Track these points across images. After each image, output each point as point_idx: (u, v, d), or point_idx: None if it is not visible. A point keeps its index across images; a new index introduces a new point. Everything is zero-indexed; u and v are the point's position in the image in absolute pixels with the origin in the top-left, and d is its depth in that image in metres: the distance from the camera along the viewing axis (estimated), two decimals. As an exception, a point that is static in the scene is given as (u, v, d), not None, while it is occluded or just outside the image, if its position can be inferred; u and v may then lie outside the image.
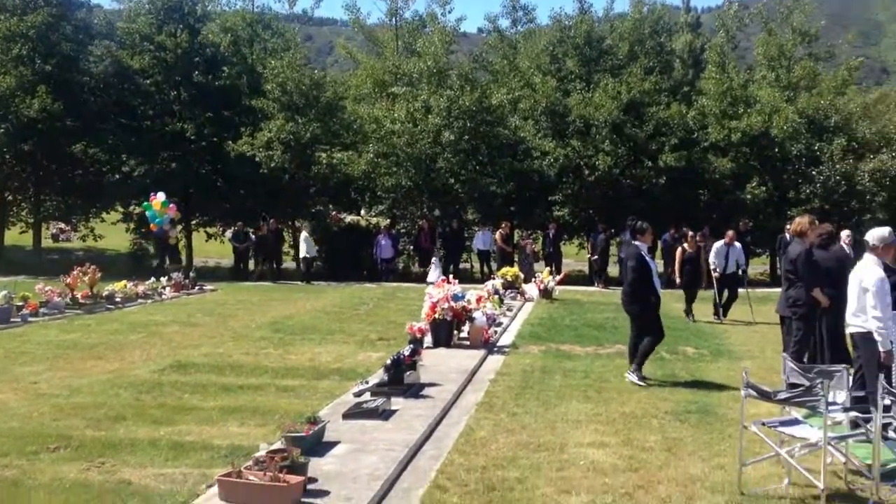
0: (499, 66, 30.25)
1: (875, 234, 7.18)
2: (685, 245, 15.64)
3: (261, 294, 19.85)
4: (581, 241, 28.05)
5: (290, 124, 25.72)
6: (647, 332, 9.47)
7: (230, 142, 25.97)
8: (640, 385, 9.16)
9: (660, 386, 9.26)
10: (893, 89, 51.14)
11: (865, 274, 6.96)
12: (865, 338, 6.98)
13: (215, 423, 7.48)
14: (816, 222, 9.48)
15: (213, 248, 30.42)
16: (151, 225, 22.30)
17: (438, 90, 25.87)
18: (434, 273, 20.13)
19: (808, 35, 29.03)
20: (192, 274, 21.18)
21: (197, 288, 20.34)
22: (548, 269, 20.61)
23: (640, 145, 25.66)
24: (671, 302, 14.47)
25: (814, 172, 25.15)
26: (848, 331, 7.35)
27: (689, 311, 15.32)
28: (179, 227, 25.67)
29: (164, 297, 18.64)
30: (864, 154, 25.67)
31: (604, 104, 25.62)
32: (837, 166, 24.78)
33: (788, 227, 14.79)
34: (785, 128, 25.44)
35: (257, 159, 25.33)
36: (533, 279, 19.43)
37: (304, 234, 23.55)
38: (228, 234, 27.71)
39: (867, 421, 5.90)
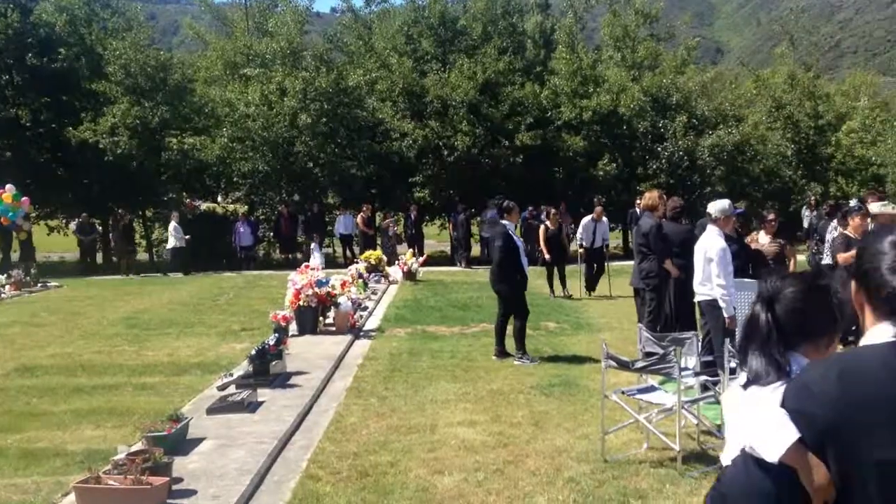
0: (354, 47, 29.96)
1: (716, 207, 7.62)
2: (548, 223, 16.00)
3: (112, 288, 18.89)
4: (442, 222, 28.33)
5: (136, 108, 24.50)
6: (513, 310, 9.64)
7: (70, 128, 24.46)
8: (534, 363, 9.34)
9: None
10: (727, 68, 54.40)
11: (709, 245, 7.38)
12: (711, 305, 7.41)
13: (68, 427, 7.08)
14: (664, 197, 9.94)
15: (56, 242, 28.65)
16: (2, 219, 20.72)
17: (293, 72, 25.36)
18: (317, 257, 19.73)
19: (649, 16, 30.39)
20: (33, 270, 19.83)
21: (40, 285, 19.14)
22: (410, 251, 20.72)
23: (496, 125, 26.11)
24: (535, 279, 14.86)
25: (659, 149, 26.42)
26: (695, 299, 7.76)
27: (553, 288, 15.73)
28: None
29: (3, 296, 17.43)
30: (703, 130, 27.19)
31: (460, 84, 25.88)
32: (680, 143, 26.14)
33: (638, 201, 15.48)
34: (632, 106, 26.58)
35: (101, 146, 23.97)
36: (396, 262, 19.48)
37: (173, 224, 22.61)
38: (73, 226, 26.18)
39: (716, 384, 6.28)
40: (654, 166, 26.39)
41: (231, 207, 29.07)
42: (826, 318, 1.98)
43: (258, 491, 5.50)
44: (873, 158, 30.39)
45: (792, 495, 1.67)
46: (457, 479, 5.56)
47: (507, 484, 5.44)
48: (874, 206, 9.78)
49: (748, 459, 1.75)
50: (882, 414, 1.59)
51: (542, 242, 15.88)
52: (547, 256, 15.62)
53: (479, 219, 23.70)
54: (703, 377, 6.46)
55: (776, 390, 1.78)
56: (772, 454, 1.69)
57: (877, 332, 1.70)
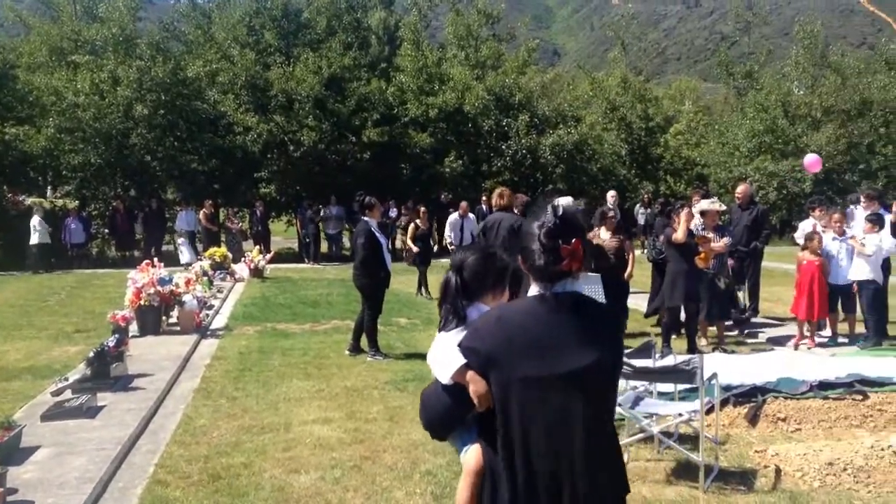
0: (193, 37, 28.88)
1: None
2: (417, 221, 15.83)
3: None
4: (289, 218, 27.84)
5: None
6: (371, 305, 9.59)
7: None
8: (387, 359, 9.33)
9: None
10: (565, 70, 56.57)
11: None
12: None
13: None
14: (506, 194, 10.13)
15: None
16: None
17: (127, 60, 24.15)
18: (187, 254, 18.72)
19: (491, 16, 31.16)
20: None
21: None
22: (257, 247, 20.22)
23: (343, 121, 25.92)
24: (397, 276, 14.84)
25: (503, 147, 27.12)
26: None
27: (421, 287, 15.34)
28: None
29: None
30: (544, 130, 28.15)
31: (305, 79, 25.50)
32: (523, 141, 26.94)
33: (484, 198, 15.80)
34: (476, 104, 27.14)
35: None
36: (242, 259, 18.96)
37: (36, 219, 20.90)
38: None
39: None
40: (499, 164, 27.06)
41: (60, 202, 27.26)
42: (496, 277, 2.96)
43: (101, 499, 5.21)
44: (698, 159, 32.51)
45: (461, 402, 2.61)
46: (313, 477, 5.49)
47: (364, 480, 5.42)
48: (702, 204, 10.48)
49: (437, 381, 2.74)
50: (523, 345, 2.41)
51: (409, 241, 15.67)
52: (415, 250, 15.31)
53: (321, 215, 23.44)
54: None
55: (458, 334, 2.71)
56: (444, 377, 2.68)
57: (531, 291, 2.50)
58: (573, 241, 2.44)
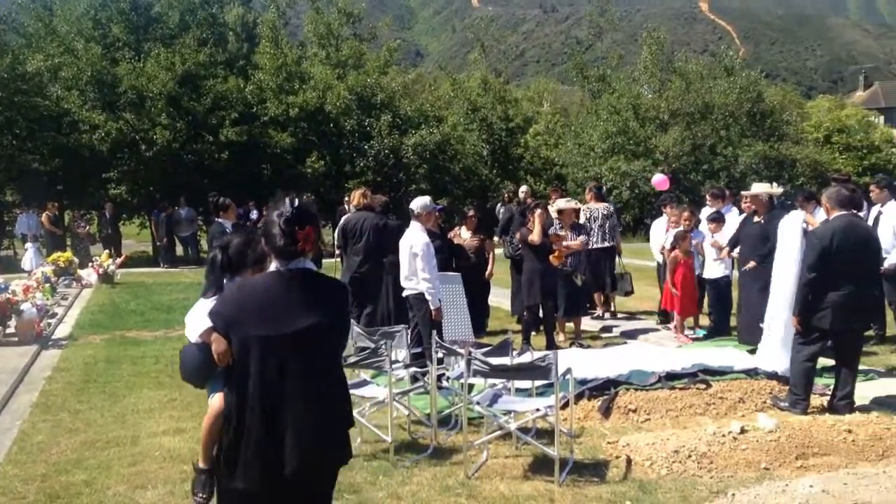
0: (33, 29, 27.09)
1: (419, 203, 7.87)
2: None
3: None
4: (142, 221, 26.67)
5: None
6: None
7: None
8: None
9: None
10: (427, 71, 57.04)
11: (413, 240, 7.61)
12: (418, 298, 7.65)
13: None
14: (369, 194, 10.06)
15: None
16: None
17: (-42, 53, 22.45)
18: (31, 257, 17.35)
19: (352, 15, 30.95)
20: None
21: None
22: (106, 251, 19.21)
23: (199, 119, 25.05)
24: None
25: (366, 147, 27.00)
26: (403, 294, 7.95)
27: None
28: None
29: None
30: (407, 130, 28.22)
31: (157, 75, 24.47)
32: (385, 141, 26.91)
33: (347, 198, 15.60)
34: (338, 104, 26.90)
35: None
36: (90, 263, 17.96)
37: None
38: None
39: (425, 374, 6.51)
40: (362, 164, 26.91)
41: None
42: (255, 258, 3.80)
43: (-78, 532, 4.78)
44: (556, 159, 33.49)
45: (210, 357, 3.37)
46: (161, 492, 5.22)
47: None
48: (559, 203, 10.75)
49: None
50: (257, 310, 3.07)
51: None
52: None
53: (172, 217, 22.58)
54: (413, 369, 6.67)
55: (212, 300, 3.63)
56: (192, 336, 3.75)
57: (271, 267, 3.20)
58: (307, 227, 3.10)
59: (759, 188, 9.25)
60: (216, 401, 3.57)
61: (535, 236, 9.28)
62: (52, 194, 23.39)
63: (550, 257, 9.56)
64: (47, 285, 13.88)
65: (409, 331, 7.24)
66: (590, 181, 18.35)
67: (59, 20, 27.09)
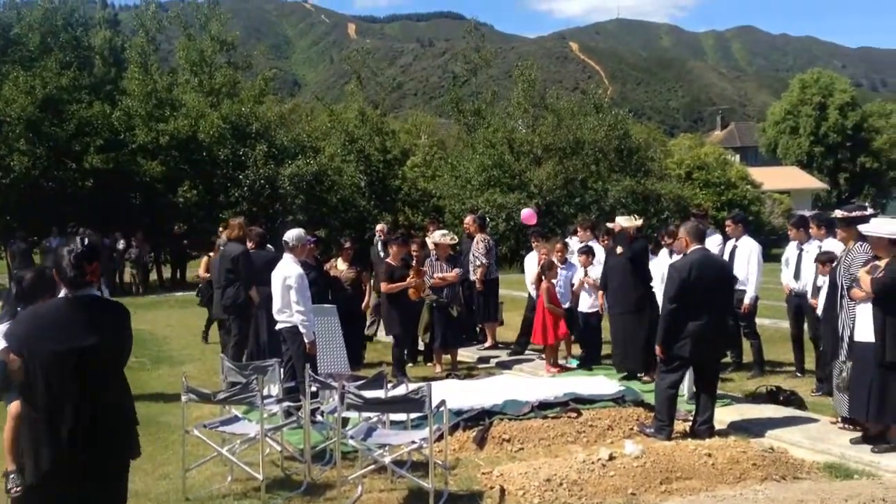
0: None
1: (292, 235, 7.79)
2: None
3: None
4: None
5: None
6: None
7: None
8: None
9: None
10: (304, 101, 56.67)
11: (287, 272, 7.51)
12: (292, 331, 7.53)
13: None
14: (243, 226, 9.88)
15: None
16: None
17: None
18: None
19: (226, 43, 30.37)
20: None
21: None
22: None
23: (61, 145, 23.92)
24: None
25: (241, 176, 26.44)
26: (277, 327, 7.81)
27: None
28: None
29: None
30: (283, 160, 27.84)
31: (16, 99, 23.26)
32: (261, 171, 26.45)
33: (221, 230, 15.20)
34: (211, 132, 26.27)
35: None
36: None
37: None
38: None
39: (298, 409, 6.40)
40: (237, 194, 26.34)
41: None
42: (46, 288, 4.47)
43: None
44: (433, 191, 33.81)
45: (3, 373, 4.10)
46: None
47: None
48: (434, 236, 10.88)
49: None
50: (48, 331, 3.56)
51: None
52: None
53: (41, 246, 21.42)
54: (286, 403, 6.54)
55: (6, 324, 4.53)
56: None
57: (61, 294, 3.73)
58: (94, 262, 3.70)
59: (620, 221, 9.63)
60: (13, 408, 4.00)
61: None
62: None
63: (409, 291, 9.75)
64: None
65: (281, 364, 7.12)
66: (467, 213, 18.54)
67: None
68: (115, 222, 22.94)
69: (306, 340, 7.40)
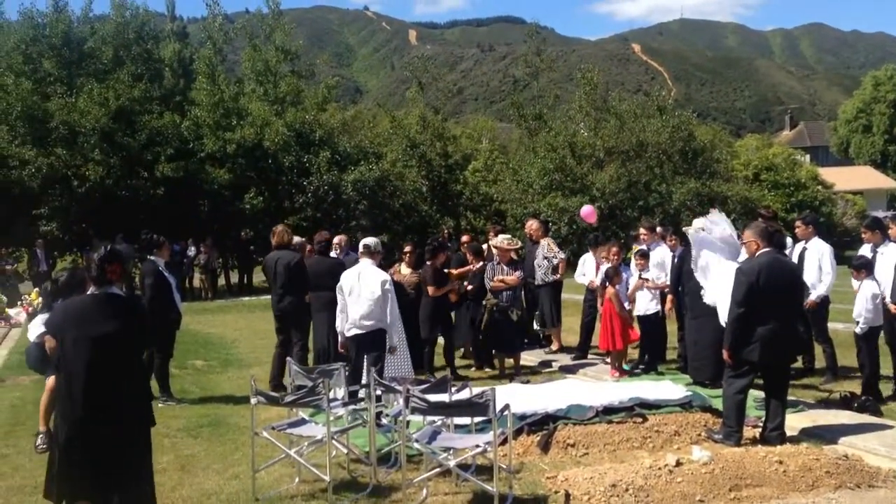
0: (-39, 64, 26.51)
1: (373, 240, 8.18)
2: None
3: None
4: (75, 257, 26.01)
5: None
6: (160, 348, 9.05)
7: None
8: (180, 405, 8.91)
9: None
10: (366, 107, 57.22)
11: (371, 277, 7.77)
12: (374, 335, 7.81)
13: None
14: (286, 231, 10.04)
15: None
16: None
17: None
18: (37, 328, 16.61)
19: (290, 53, 30.93)
20: None
21: None
22: (36, 290, 18.68)
23: (134, 155, 24.68)
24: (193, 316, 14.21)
25: (305, 183, 26.87)
26: (353, 332, 7.92)
27: None
28: None
29: None
30: (346, 166, 28.19)
31: (90, 110, 24.09)
32: (325, 177, 26.82)
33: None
34: (276, 140, 26.76)
35: None
36: (19, 302, 17.44)
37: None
38: None
39: (363, 412, 6.47)
40: (301, 200, 26.76)
41: None
42: (77, 285, 5.64)
43: None
44: (495, 195, 33.78)
45: (44, 353, 6.16)
46: (94, 539, 5.06)
47: (151, 537, 5.07)
48: (497, 239, 10.89)
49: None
50: (76, 320, 4.55)
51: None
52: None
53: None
54: (352, 406, 6.63)
55: (45, 314, 6.59)
56: (32, 337, 7.02)
57: (90, 291, 4.73)
58: (114, 264, 4.66)
59: (698, 224, 9.37)
60: (50, 381, 5.41)
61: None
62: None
63: (450, 294, 10.28)
64: (-27, 325, 13.45)
65: (346, 368, 7.21)
66: (529, 217, 18.46)
67: (-13, 55, 26.56)
68: (185, 229, 23.53)
69: (393, 343, 7.97)
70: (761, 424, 6.99)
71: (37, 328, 6.83)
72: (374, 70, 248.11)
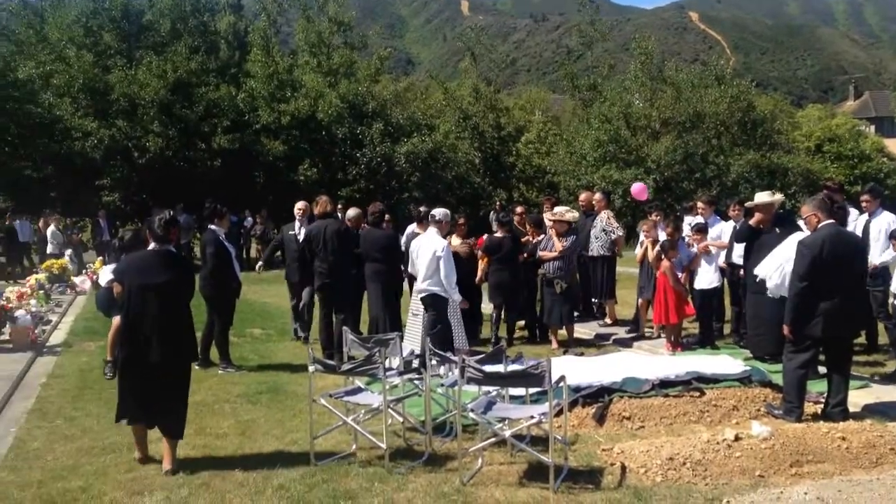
0: (24, 37, 27.11)
1: (439, 212, 8.76)
2: None
3: None
4: (136, 228, 26.63)
5: None
6: (220, 316, 9.22)
7: None
8: (239, 372, 9.07)
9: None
10: (418, 79, 57.09)
11: (434, 244, 8.38)
12: (436, 298, 8.36)
13: None
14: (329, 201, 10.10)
15: None
16: None
17: (-51, 60, 22.41)
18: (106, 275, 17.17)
19: (343, 24, 30.97)
20: None
21: None
22: (100, 258, 19.14)
23: (191, 126, 25.08)
24: (250, 286, 14.36)
25: (358, 154, 27.00)
26: (420, 295, 8.61)
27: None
28: None
29: None
30: (398, 138, 28.25)
31: (149, 83, 24.50)
32: (378, 149, 26.92)
33: (340, 207, 15.58)
34: (330, 112, 26.92)
35: None
36: (84, 270, 17.92)
37: (52, 229, 19.12)
38: None
39: (419, 381, 6.52)
40: (354, 171, 26.92)
41: None
42: (138, 243, 6.90)
43: (-82, 538, 4.77)
44: (548, 168, 33.55)
45: (112, 297, 7.19)
46: (158, 498, 5.22)
47: (213, 498, 5.21)
48: (557, 210, 10.84)
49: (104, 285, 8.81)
50: (138, 270, 5.76)
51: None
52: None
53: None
54: (407, 375, 6.68)
55: (113, 265, 7.96)
56: (103, 282, 8.93)
57: (151, 247, 5.94)
58: (173, 227, 5.83)
59: (763, 197, 9.16)
60: (116, 320, 6.79)
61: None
62: (45, 201, 23.35)
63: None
64: (41, 292, 13.86)
65: (402, 338, 7.27)
66: (582, 189, 18.26)
67: (50, 27, 27.12)
68: (241, 200, 23.87)
69: (455, 301, 8.44)
70: (823, 400, 6.87)
71: (106, 275, 8.34)
72: (426, 41, 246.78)
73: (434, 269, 8.37)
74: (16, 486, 5.49)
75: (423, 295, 8.58)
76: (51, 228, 20.36)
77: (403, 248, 10.34)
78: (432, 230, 8.63)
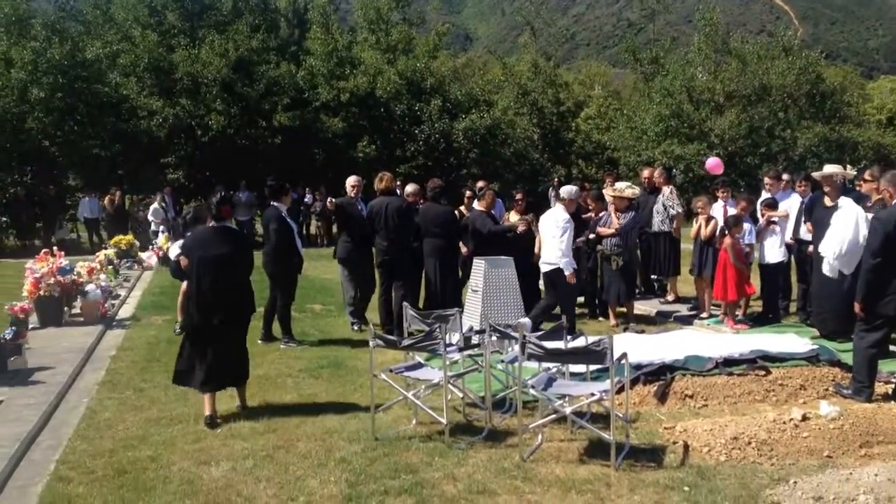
0: (91, 17, 27.70)
1: (565, 190, 9.28)
2: None
3: None
4: (199, 204, 27.16)
5: None
6: (283, 292, 9.35)
7: None
8: (301, 346, 9.22)
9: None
10: (476, 55, 56.75)
11: (557, 219, 8.88)
12: (558, 272, 8.82)
13: None
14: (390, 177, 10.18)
15: None
16: None
17: (21, 41, 22.99)
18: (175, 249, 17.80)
19: (401, 0, 30.88)
20: None
21: None
22: (165, 234, 19.59)
23: (252, 105, 25.39)
24: (310, 262, 14.55)
25: (416, 131, 27.01)
26: (544, 270, 9.08)
27: None
28: None
29: None
30: (457, 114, 28.16)
31: (212, 61, 24.84)
32: (436, 125, 26.89)
33: (399, 183, 15.61)
34: (388, 89, 26.95)
35: None
36: (150, 246, 18.36)
37: (154, 206, 20.40)
38: None
39: (481, 356, 6.53)
40: (412, 148, 26.96)
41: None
42: (199, 220, 8.14)
43: (-2, 500, 4.97)
44: (608, 143, 33.10)
45: (180, 267, 6.94)
46: (224, 468, 5.35)
47: (277, 470, 5.32)
48: (618, 186, 10.70)
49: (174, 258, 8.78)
50: (201, 244, 6.52)
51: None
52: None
53: (233, 199, 22.82)
54: (467, 351, 6.69)
55: (181, 241, 8.59)
56: (172, 256, 9.32)
57: (210, 223, 6.87)
58: (226, 206, 6.63)
59: (832, 169, 8.89)
60: (184, 286, 8.01)
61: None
62: (113, 179, 23.95)
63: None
64: (110, 267, 14.24)
65: (461, 314, 7.27)
66: (643, 165, 17.99)
67: (116, 8, 27.67)
68: (301, 177, 24.10)
69: (567, 273, 8.76)
70: (894, 381, 6.67)
71: (175, 250, 9.21)
72: (484, 16, 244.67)
73: (555, 244, 8.79)
74: (88, 455, 5.67)
75: (547, 269, 9.00)
76: (153, 206, 20.92)
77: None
78: (559, 207, 9.05)
